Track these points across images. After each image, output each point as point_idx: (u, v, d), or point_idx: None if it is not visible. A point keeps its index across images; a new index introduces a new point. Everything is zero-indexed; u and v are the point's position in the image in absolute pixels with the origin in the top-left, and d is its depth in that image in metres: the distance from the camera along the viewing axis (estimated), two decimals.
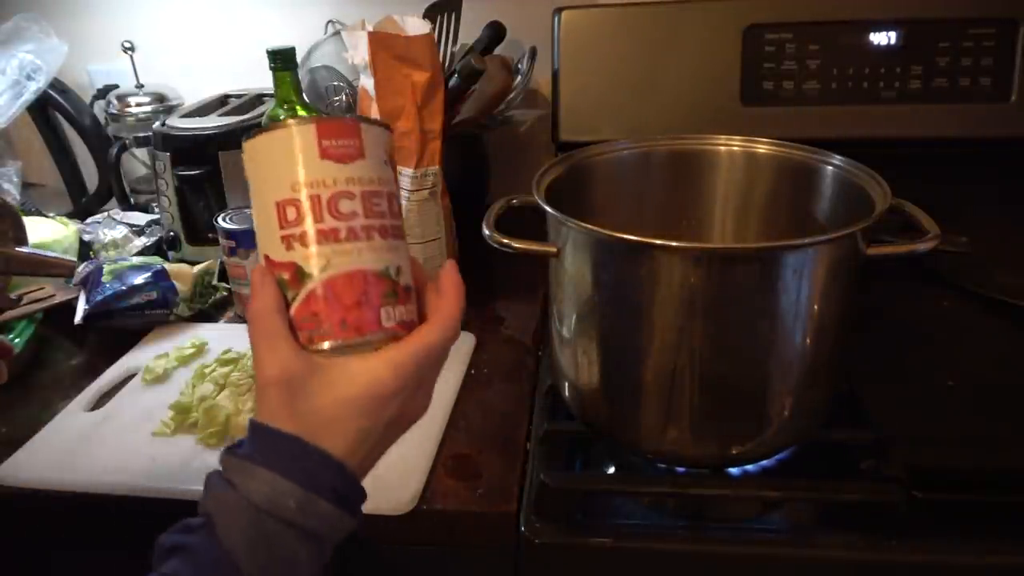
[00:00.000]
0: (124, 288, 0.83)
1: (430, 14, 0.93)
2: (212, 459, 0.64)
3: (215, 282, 0.92)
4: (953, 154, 0.91)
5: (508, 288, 0.94)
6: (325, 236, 0.40)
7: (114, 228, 1.03)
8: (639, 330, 0.55)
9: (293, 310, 0.41)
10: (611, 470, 0.65)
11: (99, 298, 0.82)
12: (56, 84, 1.10)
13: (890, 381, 0.68)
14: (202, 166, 0.95)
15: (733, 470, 0.61)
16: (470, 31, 0.96)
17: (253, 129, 0.42)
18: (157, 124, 0.99)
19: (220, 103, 1.09)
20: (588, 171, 0.69)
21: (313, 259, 0.41)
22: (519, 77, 0.98)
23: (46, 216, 1.03)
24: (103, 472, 0.63)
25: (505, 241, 0.57)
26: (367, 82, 0.79)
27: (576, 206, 0.56)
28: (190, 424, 0.68)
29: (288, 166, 0.41)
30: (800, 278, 0.51)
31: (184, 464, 0.64)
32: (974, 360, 0.71)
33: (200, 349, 0.81)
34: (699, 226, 0.73)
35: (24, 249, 0.56)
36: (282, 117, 0.89)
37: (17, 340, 0.78)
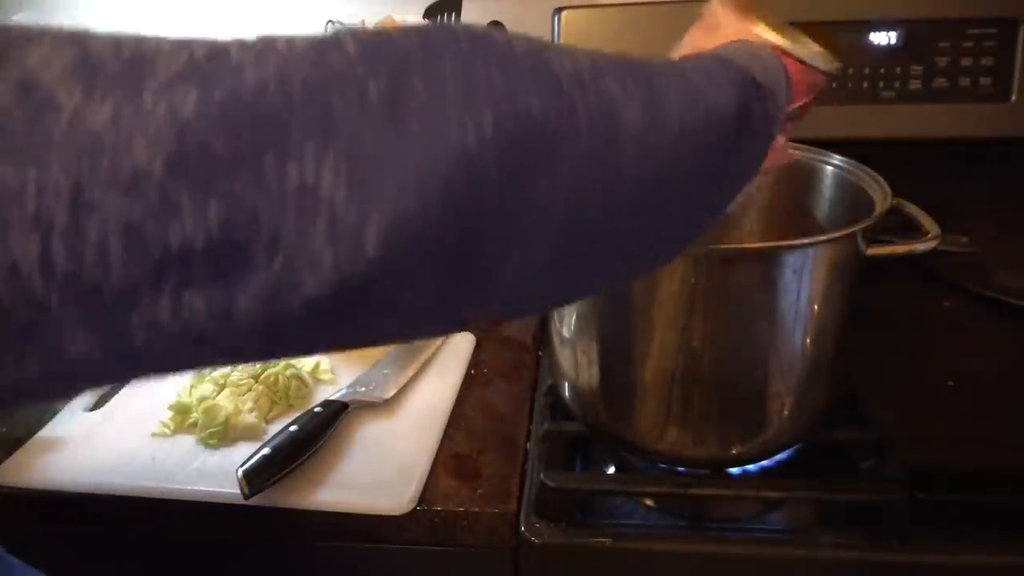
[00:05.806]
0: None
1: (430, 14, 0.93)
2: (212, 459, 0.64)
3: None
4: (953, 154, 0.90)
5: None
6: None
7: None
8: (639, 330, 0.55)
9: None
10: (611, 470, 0.65)
11: None
12: None
13: (890, 381, 0.68)
14: None
15: (733, 470, 0.61)
16: None
17: None
18: None
19: None
20: None
21: None
22: None
23: None
24: (103, 472, 0.63)
25: None
26: None
27: None
28: (190, 424, 0.68)
29: None
30: (800, 278, 0.51)
31: (184, 464, 0.63)
32: (974, 360, 0.71)
33: None
34: None
35: None
36: None
37: None
